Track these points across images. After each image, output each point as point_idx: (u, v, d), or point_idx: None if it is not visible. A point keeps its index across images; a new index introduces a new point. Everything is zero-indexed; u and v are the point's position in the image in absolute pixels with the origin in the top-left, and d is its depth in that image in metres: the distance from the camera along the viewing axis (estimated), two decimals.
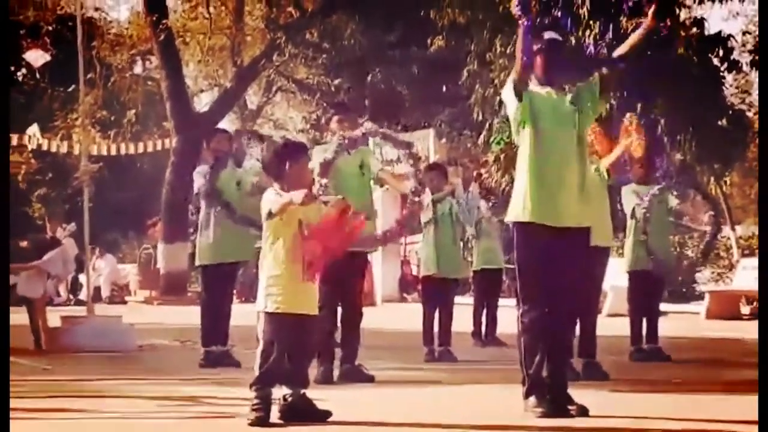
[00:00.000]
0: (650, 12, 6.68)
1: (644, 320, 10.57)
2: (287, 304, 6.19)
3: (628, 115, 9.32)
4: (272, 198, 6.29)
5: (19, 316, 12.26)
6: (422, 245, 11.14)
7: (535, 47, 6.61)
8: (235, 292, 11.40)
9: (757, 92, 32.66)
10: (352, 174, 8.68)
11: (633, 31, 17.89)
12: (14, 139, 26.18)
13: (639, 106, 18.26)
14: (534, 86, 6.64)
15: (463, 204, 11.36)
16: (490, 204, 13.07)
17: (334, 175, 8.59)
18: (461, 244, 11.34)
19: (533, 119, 6.52)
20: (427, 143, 25.49)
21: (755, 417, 6.18)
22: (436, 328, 10.81)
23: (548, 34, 6.78)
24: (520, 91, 6.54)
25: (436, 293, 10.90)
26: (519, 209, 6.50)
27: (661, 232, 10.69)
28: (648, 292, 10.68)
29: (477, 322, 12.72)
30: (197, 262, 10.29)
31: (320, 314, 7.76)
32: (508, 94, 6.62)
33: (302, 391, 6.23)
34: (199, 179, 10.07)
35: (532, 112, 6.53)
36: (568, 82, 6.70)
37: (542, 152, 6.48)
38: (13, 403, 6.90)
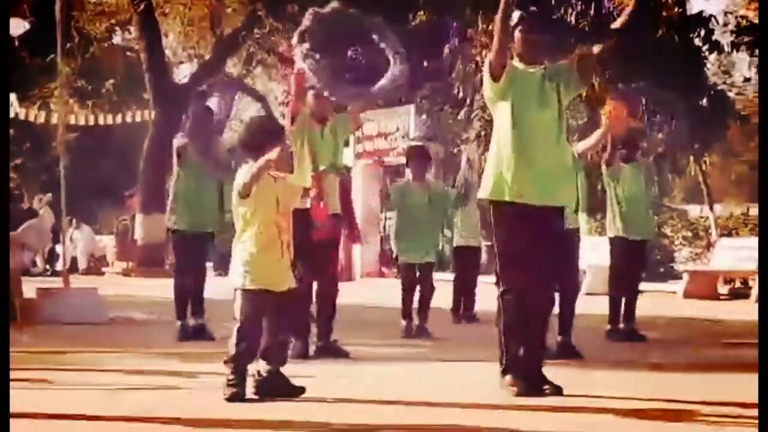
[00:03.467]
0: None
1: (623, 299, 10.57)
2: (265, 281, 6.18)
3: (609, 100, 9.29)
4: (240, 178, 6.23)
5: None
6: (395, 231, 11.08)
7: (512, 23, 6.59)
8: (211, 265, 11.37)
9: (738, 73, 32.78)
10: (323, 143, 8.57)
11: (614, 10, 17.99)
12: None
13: (619, 86, 18.31)
14: (515, 63, 6.63)
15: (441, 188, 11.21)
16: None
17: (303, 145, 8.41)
18: (438, 225, 11.28)
19: (512, 96, 6.47)
20: (408, 119, 25.49)
21: (727, 396, 6.24)
22: (415, 305, 10.82)
23: None
24: (496, 72, 6.50)
25: (413, 275, 10.90)
26: (500, 188, 6.46)
27: (638, 206, 10.63)
28: (629, 264, 10.60)
29: (456, 299, 12.74)
30: (168, 224, 10.24)
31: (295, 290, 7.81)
32: (486, 73, 6.60)
33: (280, 368, 6.23)
34: (178, 140, 10.03)
35: (512, 90, 6.49)
36: (550, 58, 6.67)
37: (522, 130, 6.43)
38: None
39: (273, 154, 6.04)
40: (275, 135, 6.39)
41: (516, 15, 6.61)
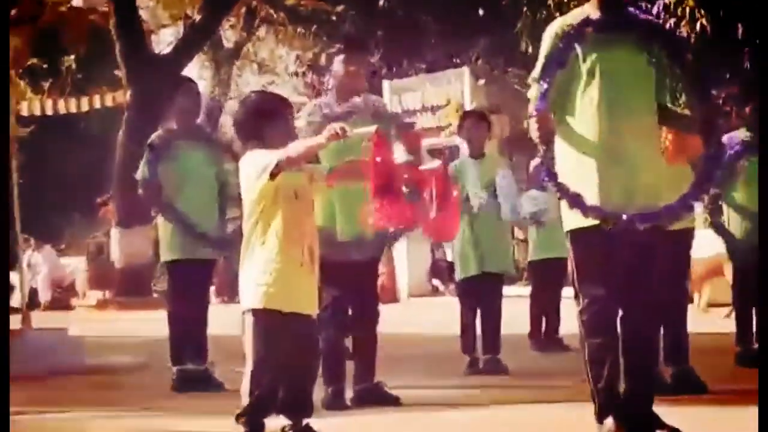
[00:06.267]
0: None
1: (754, 311, 10.48)
2: (282, 298, 6.16)
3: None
4: (262, 157, 6.20)
5: None
6: (456, 239, 10.69)
7: None
8: (213, 289, 11.44)
9: None
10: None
11: None
12: None
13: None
14: (590, 9, 6.55)
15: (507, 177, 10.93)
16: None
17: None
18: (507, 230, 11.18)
19: (600, 74, 6.33)
20: (461, 86, 25.47)
21: None
22: (478, 331, 10.77)
23: None
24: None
25: (476, 293, 10.78)
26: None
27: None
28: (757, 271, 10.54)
29: (534, 322, 12.72)
30: (161, 258, 10.36)
31: (325, 318, 7.85)
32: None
33: (306, 420, 6.26)
34: (142, 164, 10.12)
35: (600, 65, 6.34)
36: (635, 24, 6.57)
37: (612, 121, 6.33)
38: None
39: (324, 134, 6.18)
40: (277, 107, 6.45)
41: None
